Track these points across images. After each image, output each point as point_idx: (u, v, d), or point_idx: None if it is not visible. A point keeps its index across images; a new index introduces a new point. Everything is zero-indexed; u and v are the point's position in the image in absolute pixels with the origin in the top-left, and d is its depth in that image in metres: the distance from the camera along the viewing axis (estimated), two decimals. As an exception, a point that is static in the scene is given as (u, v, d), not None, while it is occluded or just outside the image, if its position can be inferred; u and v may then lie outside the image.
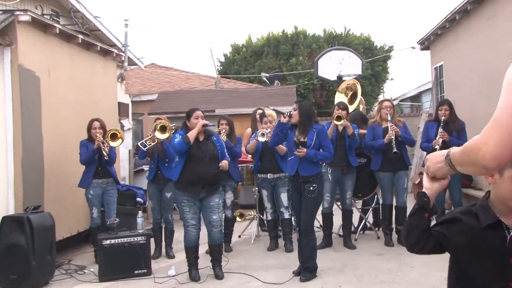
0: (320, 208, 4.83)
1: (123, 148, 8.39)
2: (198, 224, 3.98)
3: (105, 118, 5.40)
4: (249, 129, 5.78)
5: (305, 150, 3.92)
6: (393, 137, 4.77)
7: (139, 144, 4.73)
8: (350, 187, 5.09)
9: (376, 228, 5.53)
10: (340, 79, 8.04)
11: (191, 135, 3.92)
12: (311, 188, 3.88)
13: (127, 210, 6.01)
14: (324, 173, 4.83)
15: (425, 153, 5.75)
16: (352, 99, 6.92)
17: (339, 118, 4.97)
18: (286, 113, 4.14)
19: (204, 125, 3.96)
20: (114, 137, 4.78)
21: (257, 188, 5.34)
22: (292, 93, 11.27)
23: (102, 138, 4.75)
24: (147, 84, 13.85)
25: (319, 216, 5.15)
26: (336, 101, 6.86)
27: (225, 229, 5.07)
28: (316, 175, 3.99)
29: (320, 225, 5.53)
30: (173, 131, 4.62)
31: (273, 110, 4.52)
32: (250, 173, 5.92)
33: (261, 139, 4.83)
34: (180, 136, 3.98)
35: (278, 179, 5.00)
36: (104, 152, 4.75)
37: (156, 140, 4.78)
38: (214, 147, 4.04)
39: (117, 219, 4.56)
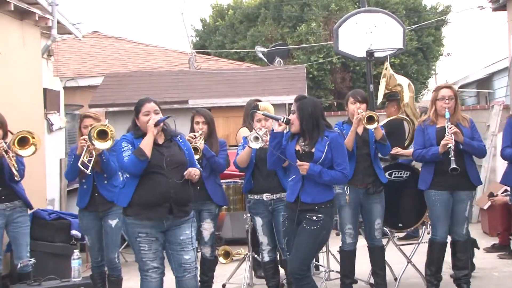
0: (339, 244, 4.93)
1: (52, 157, 8.41)
2: (162, 267, 4.00)
3: (24, 112, 5.38)
4: (243, 129, 5.88)
5: (307, 164, 3.99)
6: (451, 144, 4.71)
7: (80, 165, 4.74)
8: (379, 213, 5.15)
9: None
10: (371, 55, 8.13)
11: (146, 145, 3.96)
12: (314, 217, 3.96)
13: (57, 248, 5.98)
14: (340, 195, 4.89)
15: (501, 164, 5.84)
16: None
17: (371, 119, 5.04)
18: (281, 119, 4.17)
19: (156, 124, 4.01)
20: (23, 142, 4.77)
21: (249, 215, 5.39)
22: (301, 76, 11.38)
23: (5, 145, 4.73)
24: (88, 62, 13.85)
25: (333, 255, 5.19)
26: (380, 94, 6.94)
27: (202, 274, 5.09)
28: (326, 204, 4.06)
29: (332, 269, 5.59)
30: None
31: (264, 114, 4.61)
32: (239, 192, 5.96)
33: (255, 145, 4.87)
34: (128, 146, 4.02)
35: (279, 202, 5.01)
36: (10, 165, 4.73)
37: (94, 152, 4.80)
38: (181, 152, 4.11)
39: (31, 259, 4.53)
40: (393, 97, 7.20)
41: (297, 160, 4.00)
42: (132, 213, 3.94)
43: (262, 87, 11.14)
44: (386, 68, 6.89)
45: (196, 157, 4.80)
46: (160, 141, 4.07)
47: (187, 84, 11.61)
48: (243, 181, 5.54)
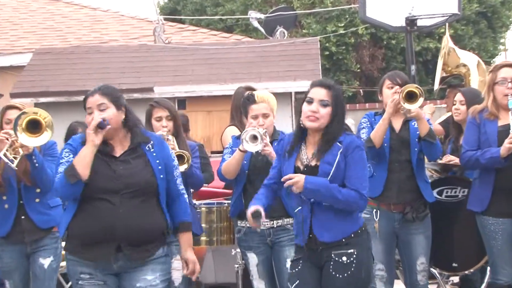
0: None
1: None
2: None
3: None
4: (231, 128, 5.91)
5: (301, 176, 3.90)
6: None
7: (1, 156, 4.71)
8: (424, 249, 5.16)
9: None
10: (412, 24, 8.17)
11: (80, 160, 3.88)
12: (344, 257, 3.93)
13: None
14: (367, 221, 4.81)
15: None
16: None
17: (412, 96, 5.07)
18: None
19: (98, 127, 3.94)
20: (34, 128, 4.79)
21: (239, 251, 5.42)
22: (313, 53, 11.45)
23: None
24: (9, 33, 13.99)
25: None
26: (437, 79, 6.92)
27: (172, 336, 5.11)
28: (356, 232, 4.01)
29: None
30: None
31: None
32: (225, 218, 5.98)
33: (252, 148, 4.86)
34: (70, 156, 3.98)
35: (282, 232, 5.00)
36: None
37: (21, 152, 4.75)
38: (147, 169, 4.07)
39: None
40: (455, 82, 7.23)
41: (290, 176, 3.97)
42: (71, 248, 3.98)
43: (257, 69, 11.17)
44: (445, 43, 6.90)
45: (182, 168, 4.81)
46: (119, 151, 4.05)
47: (152, 65, 11.63)
48: (228, 203, 5.53)
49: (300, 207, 4.02)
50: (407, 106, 5.00)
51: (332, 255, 3.92)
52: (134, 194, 3.93)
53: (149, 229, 4.00)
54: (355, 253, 3.91)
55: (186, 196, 4.21)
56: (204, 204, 5.94)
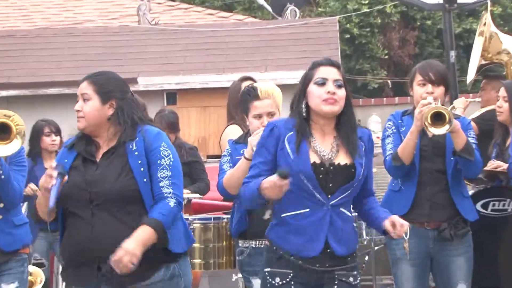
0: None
1: None
2: None
3: None
4: (233, 128, 5.93)
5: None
6: None
7: None
8: (464, 273, 5.15)
9: None
10: (450, 1, 8.17)
11: (42, 206, 4.00)
12: (351, 278, 3.98)
13: None
14: (395, 240, 4.89)
15: None
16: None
17: (439, 118, 5.05)
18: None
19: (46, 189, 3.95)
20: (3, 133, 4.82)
21: (240, 276, 5.44)
22: (330, 37, 11.42)
23: None
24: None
25: None
26: (472, 68, 6.87)
27: None
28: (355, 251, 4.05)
29: None
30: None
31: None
32: (225, 236, 5.99)
33: None
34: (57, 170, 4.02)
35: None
36: None
37: None
38: (125, 171, 4.01)
39: None
40: (494, 72, 7.21)
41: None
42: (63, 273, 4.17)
43: (263, 56, 11.15)
44: (484, 24, 6.90)
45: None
46: (102, 150, 4.11)
47: (135, 51, 11.65)
48: (227, 218, 5.57)
49: (307, 209, 3.93)
50: (433, 130, 4.94)
51: (336, 275, 3.94)
52: (109, 204, 3.96)
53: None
54: (358, 273, 4.03)
55: (172, 202, 4.04)
56: (199, 219, 5.94)
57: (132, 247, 3.82)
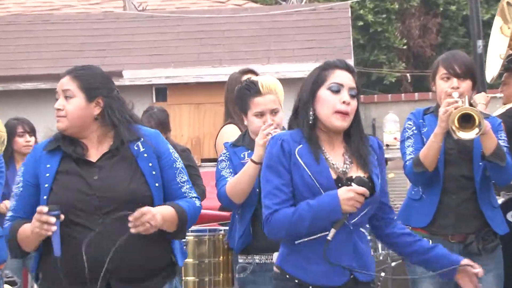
0: None
1: None
2: None
3: None
4: (230, 129, 5.96)
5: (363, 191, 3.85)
6: None
7: None
8: (494, 288, 5.21)
9: None
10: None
11: (24, 239, 3.97)
12: None
13: None
14: None
15: None
16: None
17: (467, 120, 5.02)
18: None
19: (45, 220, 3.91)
20: None
21: (240, 294, 5.53)
22: (342, 24, 11.41)
23: None
24: None
25: None
26: (500, 57, 6.88)
27: None
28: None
29: None
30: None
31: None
32: (221, 251, 6.01)
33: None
34: (23, 184, 4.08)
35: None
36: None
37: None
38: (136, 175, 4.07)
39: None
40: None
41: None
42: None
43: (265, 46, 11.12)
44: (507, 2, 6.91)
45: None
46: (96, 154, 4.11)
47: (121, 40, 11.63)
48: (224, 230, 5.62)
49: (327, 232, 3.80)
50: (460, 135, 4.92)
51: None
52: (120, 211, 3.92)
53: (146, 260, 4.02)
54: None
55: (198, 202, 4.24)
56: (192, 231, 5.94)
57: (154, 211, 3.90)
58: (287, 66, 10.64)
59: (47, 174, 4.01)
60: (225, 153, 5.15)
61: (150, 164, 4.07)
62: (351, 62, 13.37)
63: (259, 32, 11.51)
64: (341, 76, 3.81)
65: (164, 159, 4.13)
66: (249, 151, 4.98)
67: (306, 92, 3.86)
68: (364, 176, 3.82)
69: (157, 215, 3.87)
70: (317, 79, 3.83)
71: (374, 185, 3.84)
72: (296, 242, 3.87)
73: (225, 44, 11.31)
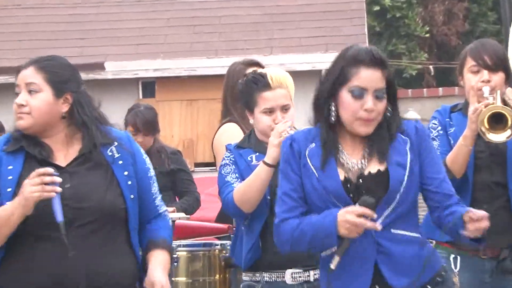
0: None
1: None
2: None
3: None
4: (229, 128, 5.98)
5: (369, 213, 3.81)
6: None
7: None
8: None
9: None
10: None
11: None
12: None
13: None
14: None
15: None
16: None
17: (498, 119, 5.01)
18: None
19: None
20: None
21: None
22: (356, 10, 11.41)
23: None
24: None
25: None
26: None
27: None
28: (434, 279, 4.02)
29: None
30: None
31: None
32: (218, 268, 6.00)
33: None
34: None
35: (319, 288, 5.05)
36: None
37: None
38: (112, 184, 4.06)
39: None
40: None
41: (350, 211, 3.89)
42: None
43: (267, 34, 11.11)
44: None
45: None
46: (63, 158, 4.08)
47: (102, 28, 11.63)
48: (225, 243, 5.61)
49: (347, 242, 3.93)
50: (491, 137, 4.92)
51: None
52: (93, 225, 3.94)
53: (117, 279, 4.03)
54: None
55: (169, 219, 4.28)
56: (185, 246, 5.97)
57: (165, 280, 3.94)
58: (292, 57, 10.65)
59: (10, 177, 3.97)
60: (229, 156, 5.10)
61: (126, 173, 4.07)
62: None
63: (260, 18, 11.51)
64: (365, 77, 3.78)
65: (139, 166, 4.13)
66: (257, 153, 4.99)
67: (326, 89, 3.85)
68: (369, 173, 3.84)
69: (167, 282, 3.96)
70: (338, 77, 3.81)
71: (390, 178, 3.82)
72: (322, 254, 3.91)
73: (221, 32, 11.30)
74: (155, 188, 4.21)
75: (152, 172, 4.23)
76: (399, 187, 3.80)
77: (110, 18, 11.80)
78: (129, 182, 4.05)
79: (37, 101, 3.99)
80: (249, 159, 4.98)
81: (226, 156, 5.13)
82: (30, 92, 4.00)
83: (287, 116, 4.92)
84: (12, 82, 4.12)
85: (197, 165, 12.54)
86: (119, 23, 11.59)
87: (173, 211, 7.14)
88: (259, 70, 5.42)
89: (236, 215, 5.04)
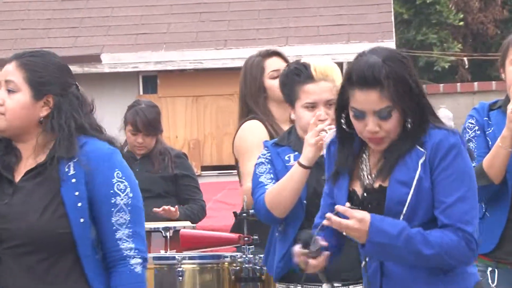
0: None
1: None
2: None
3: None
4: (252, 125, 6.03)
5: (362, 218, 3.83)
6: None
7: None
8: None
9: None
10: None
11: None
12: None
13: None
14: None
15: None
16: None
17: None
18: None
19: None
20: None
21: None
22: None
23: None
24: None
25: None
26: None
27: None
28: None
29: None
30: None
31: None
32: (229, 284, 6.00)
33: None
34: None
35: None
36: None
37: None
38: (53, 204, 3.95)
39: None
40: None
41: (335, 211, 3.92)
42: None
43: (282, 23, 11.12)
44: None
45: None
46: (25, 164, 4.07)
47: (98, 16, 11.66)
48: (235, 255, 5.68)
49: (365, 259, 3.95)
50: None
51: None
52: (25, 249, 3.93)
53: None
54: None
55: (138, 265, 4.01)
56: (190, 258, 6.00)
57: None
58: (310, 48, 10.66)
59: None
60: (265, 154, 5.14)
61: (77, 193, 3.93)
62: (392, 43, 13.26)
63: (274, 4, 11.54)
64: (361, 100, 3.82)
65: (101, 188, 3.98)
66: (296, 152, 5.01)
67: (337, 103, 3.95)
68: (372, 187, 3.89)
69: None
70: (341, 97, 3.89)
71: (387, 195, 3.85)
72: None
73: (230, 20, 11.32)
74: (119, 218, 3.99)
75: (121, 200, 4.00)
76: (398, 207, 3.83)
77: (107, 4, 11.82)
78: (79, 204, 3.93)
79: (13, 102, 3.96)
80: (286, 158, 5.02)
81: (262, 154, 5.18)
82: (8, 91, 3.96)
83: (331, 112, 4.92)
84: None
85: (204, 168, 12.54)
86: (116, 10, 11.61)
87: (175, 211, 7.19)
88: (303, 60, 5.43)
89: (268, 220, 5.08)
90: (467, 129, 5.20)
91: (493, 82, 12.99)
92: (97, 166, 4.00)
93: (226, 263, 5.92)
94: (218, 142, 12.11)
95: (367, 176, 3.94)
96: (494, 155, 4.94)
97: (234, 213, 5.81)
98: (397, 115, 3.80)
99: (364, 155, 3.96)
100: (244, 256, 5.73)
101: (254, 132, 5.81)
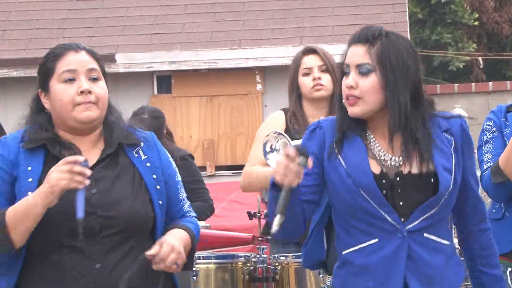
0: None
1: None
2: None
3: None
4: (275, 114, 6.15)
5: None
6: None
7: None
8: None
9: None
10: None
11: (20, 222, 3.73)
12: None
13: None
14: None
15: None
16: None
17: None
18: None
19: (74, 171, 3.89)
20: None
21: None
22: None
23: None
24: None
25: None
26: None
27: None
28: None
29: None
30: None
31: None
32: (244, 285, 6.02)
33: None
34: None
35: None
36: None
37: None
38: (140, 190, 4.04)
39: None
40: None
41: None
42: None
43: (297, 22, 11.13)
44: None
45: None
46: (91, 159, 4.05)
47: (112, 16, 11.68)
48: (249, 255, 5.71)
49: (375, 239, 3.89)
50: None
51: None
52: (120, 236, 3.95)
53: None
54: None
55: (198, 224, 4.29)
56: (204, 257, 6.02)
57: (179, 245, 3.90)
58: (325, 48, 10.57)
59: (30, 179, 3.89)
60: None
61: (154, 177, 4.06)
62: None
63: (289, 4, 11.52)
64: (349, 55, 3.96)
65: (167, 169, 4.14)
66: None
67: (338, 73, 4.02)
68: (409, 173, 3.85)
69: (182, 251, 3.93)
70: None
71: (440, 182, 3.81)
72: (343, 252, 3.94)
73: (245, 20, 11.31)
74: (182, 194, 4.22)
75: (179, 177, 4.23)
76: (445, 193, 3.81)
77: (121, 4, 11.83)
78: (158, 187, 4.07)
79: (101, 90, 4.00)
80: None
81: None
82: (92, 80, 3.98)
83: None
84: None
85: (218, 168, 12.51)
86: (131, 10, 11.61)
87: None
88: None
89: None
90: (485, 131, 5.20)
91: (508, 82, 12.95)
92: (159, 148, 4.16)
93: (240, 263, 5.92)
94: (232, 141, 12.10)
95: (389, 159, 3.91)
96: (509, 152, 4.91)
97: (248, 213, 5.85)
98: (376, 81, 3.82)
99: (369, 136, 3.95)
100: (258, 256, 5.76)
101: (272, 121, 6.00)
